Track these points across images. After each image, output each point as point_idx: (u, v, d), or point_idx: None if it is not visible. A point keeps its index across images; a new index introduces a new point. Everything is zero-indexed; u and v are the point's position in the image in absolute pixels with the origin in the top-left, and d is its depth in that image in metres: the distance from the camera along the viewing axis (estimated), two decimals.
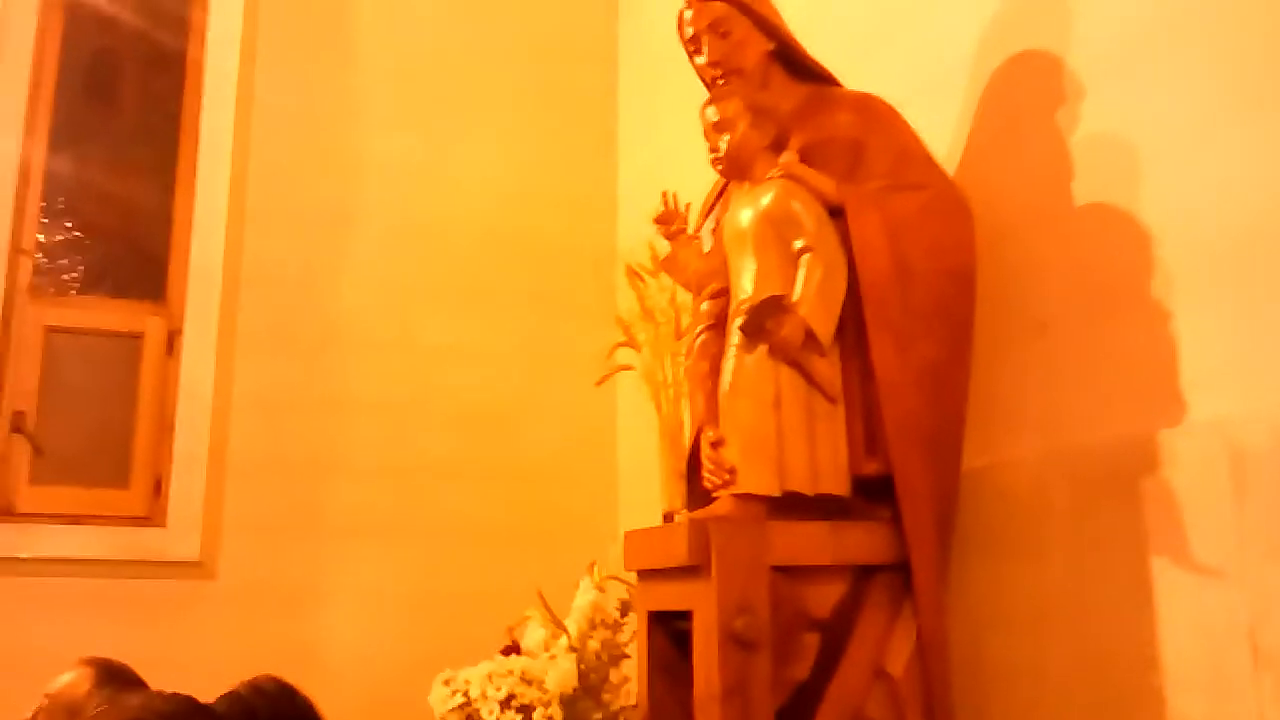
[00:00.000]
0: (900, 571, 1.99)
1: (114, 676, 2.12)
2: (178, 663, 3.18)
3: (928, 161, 2.25)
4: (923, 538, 1.98)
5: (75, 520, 3.40)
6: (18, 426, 3.41)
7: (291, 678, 3.30)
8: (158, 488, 3.49)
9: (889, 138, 2.26)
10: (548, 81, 4.18)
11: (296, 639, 3.38)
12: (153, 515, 3.47)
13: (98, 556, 3.37)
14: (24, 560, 3.29)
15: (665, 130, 3.79)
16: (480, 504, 3.70)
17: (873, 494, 2.02)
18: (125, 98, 3.93)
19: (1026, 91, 2.25)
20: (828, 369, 2.03)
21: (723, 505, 1.94)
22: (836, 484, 1.99)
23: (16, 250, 3.51)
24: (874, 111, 2.30)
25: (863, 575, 1.99)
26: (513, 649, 2.40)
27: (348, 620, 3.47)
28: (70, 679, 2.15)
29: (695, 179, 2.47)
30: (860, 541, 1.99)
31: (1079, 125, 2.12)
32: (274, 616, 3.42)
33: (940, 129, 2.38)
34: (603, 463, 3.86)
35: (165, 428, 3.52)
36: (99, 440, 3.55)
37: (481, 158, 4.03)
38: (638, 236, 2.95)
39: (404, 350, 3.78)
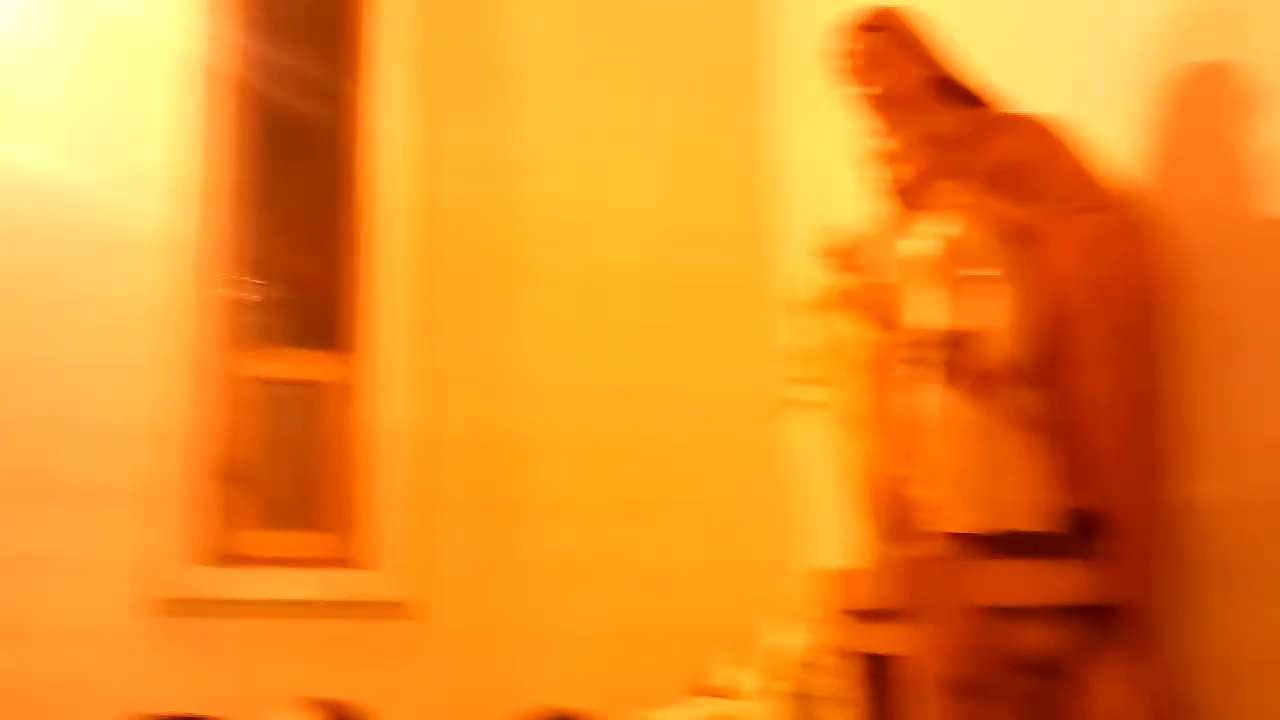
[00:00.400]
0: (1118, 610, 1.92)
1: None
2: (387, 701, 3.36)
3: (1106, 182, 2.18)
4: (1140, 574, 1.91)
5: (288, 563, 3.59)
6: (234, 475, 3.63)
7: (492, 717, 3.42)
8: (364, 530, 3.65)
9: (1063, 159, 2.19)
10: (706, 120, 4.20)
11: (499, 677, 3.49)
12: (360, 557, 3.63)
13: (309, 598, 3.54)
14: (244, 602, 3.49)
15: (823, 162, 3.76)
16: (661, 542, 3.74)
17: (1083, 530, 1.96)
18: (308, 158, 4.14)
19: (1205, 104, 2.14)
20: (1027, 400, 1.98)
21: (929, 544, 1.92)
22: (1046, 520, 1.94)
23: (222, 308, 3.73)
24: (1045, 133, 2.24)
25: (1079, 615, 1.93)
26: (709, 691, 2.41)
27: (544, 659, 3.55)
28: None
29: (857, 210, 2.45)
30: (1075, 580, 1.93)
31: (1264, 135, 2.01)
32: (475, 656, 3.52)
33: (1116, 147, 2.29)
34: (777, 500, 3.85)
35: (368, 471, 3.69)
36: (308, 486, 3.73)
37: (642, 198, 4.09)
38: (801, 271, 2.95)
39: (582, 391, 3.86)
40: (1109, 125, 2.32)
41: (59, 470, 3.45)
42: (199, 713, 2.65)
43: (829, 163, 3.51)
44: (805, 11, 3.90)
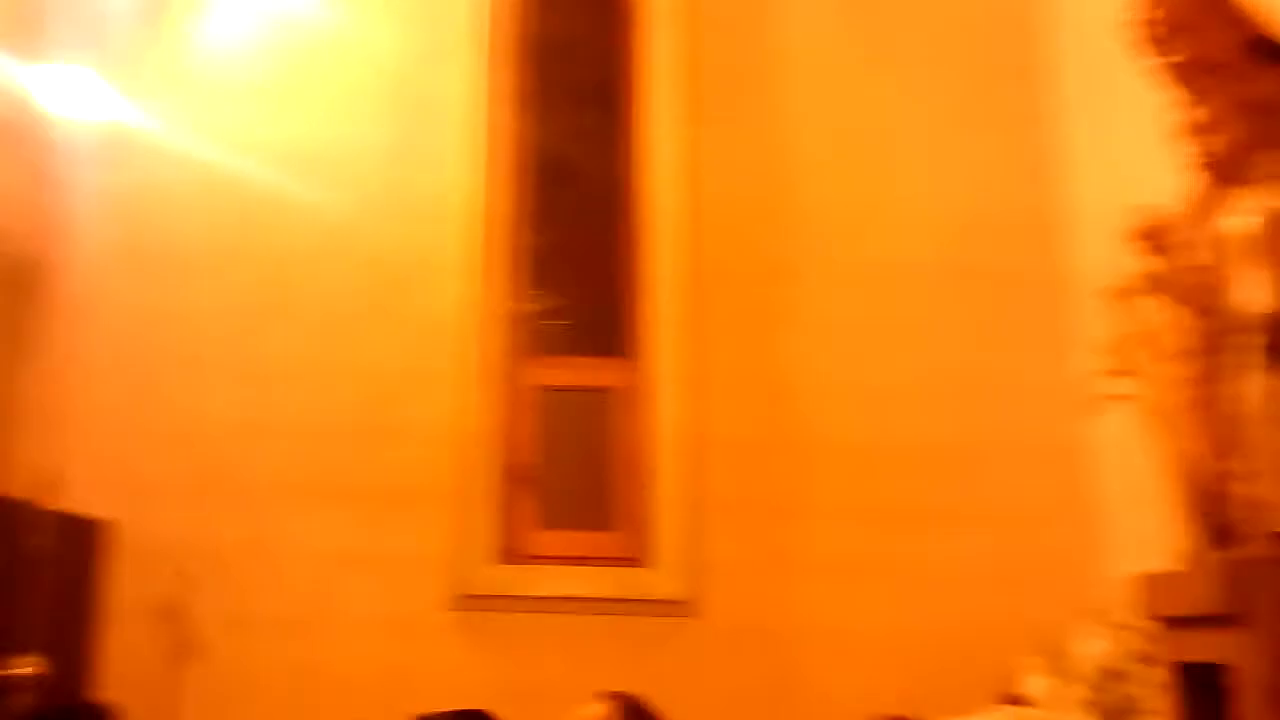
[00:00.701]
0: None
1: (636, 714, 2.26)
2: (667, 696, 3.40)
3: None
4: None
5: (574, 561, 3.71)
6: (523, 477, 3.80)
7: (771, 717, 3.40)
8: (644, 530, 3.73)
9: None
10: (983, 106, 4.04)
11: (776, 678, 3.48)
12: (641, 556, 3.71)
13: (594, 595, 3.64)
14: (534, 599, 3.64)
15: (1118, 141, 3.53)
16: (949, 545, 3.60)
17: None
18: (585, 176, 4.28)
19: None
20: None
21: (1259, 546, 1.75)
22: None
23: (512, 318, 3.93)
24: None
25: None
26: (1015, 700, 2.29)
27: (824, 660, 3.51)
28: (595, 714, 2.32)
29: (1158, 188, 2.27)
30: None
31: None
32: (754, 655, 3.53)
33: None
34: (1074, 499, 3.62)
35: (647, 473, 3.76)
36: (590, 487, 3.86)
37: (918, 192, 3.98)
38: (1098, 256, 2.77)
39: (859, 391, 3.79)
40: None
41: (368, 472, 3.73)
42: (492, 708, 2.76)
43: (1123, 140, 3.30)
44: None
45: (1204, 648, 1.78)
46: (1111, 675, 2.17)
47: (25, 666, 2.95)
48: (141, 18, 4.04)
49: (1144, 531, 2.38)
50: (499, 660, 3.56)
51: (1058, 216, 3.90)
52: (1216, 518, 1.90)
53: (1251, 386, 1.83)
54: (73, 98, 3.84)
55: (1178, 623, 1.87)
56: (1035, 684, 2.31)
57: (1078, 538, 3.57)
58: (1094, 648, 2.22)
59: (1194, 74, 2.16)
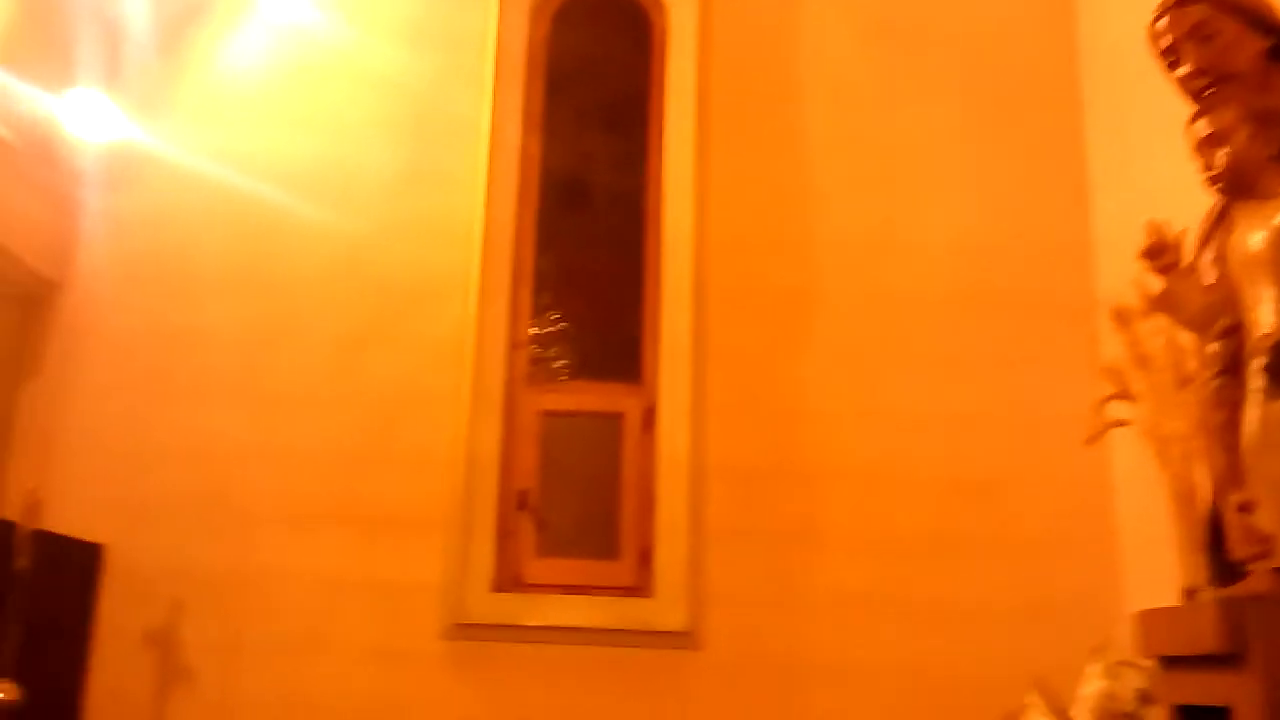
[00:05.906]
0: None
1: None
2: None
3: None
4: None
5: (573, 590, 3.62)
6: (523, 504, 3.72)
7: None
8: (645, 559, 3.63)
9: None
10: (1006, 132, 3.94)
11: (779, 712, 3.36)
12: (642, 585, 3.61)
13: (593, 625, 3.55)
14: (530, 629, 3.55)
15: (1140, 163, 3.42)
16: (965, 579, 3.48)
17: None
18: (597, 200, 4.23)
19: None
20: None
21: (1260, 581, 1.63)
22: None
23: (514, 345, 3.86)
24: None
25: None
26: None
27: (831, 696, 3.39)
28: None
29: (1182, 209, 2.16)
30: None
31: None
32: (757, 689, 3.42)
33: None
34: (1100, 532, 3.48)
35: (649, 501, 3.67)
36: (591, 515, 3.77)
37: (937, 219, 3.89)
38: (1119, 279, 2.66)
39: (874, 419, 3.68)
40: None
41: (365, 498, 3.68)
42: None
43: (1147, 160, 3.18)
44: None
45: (1202, 689, 1.66)
46: (1112, 716, 2.05)
47: None
48: (155, 40, 4.05)
49: (1161, 566, 2.26)
50: (493, 691, 3.48)
51: (1081, 241, 3.78)
52: (1218, 552, 1.78)
53: (1254, 413, 1.72)
54: (84, 119, 3.85)
55: (1176, 662, 1.75)
56: None
57: (1099, 572, 3.43)
58: (1095, 687, 2.10)
59: (1208, 84, 2.07)
